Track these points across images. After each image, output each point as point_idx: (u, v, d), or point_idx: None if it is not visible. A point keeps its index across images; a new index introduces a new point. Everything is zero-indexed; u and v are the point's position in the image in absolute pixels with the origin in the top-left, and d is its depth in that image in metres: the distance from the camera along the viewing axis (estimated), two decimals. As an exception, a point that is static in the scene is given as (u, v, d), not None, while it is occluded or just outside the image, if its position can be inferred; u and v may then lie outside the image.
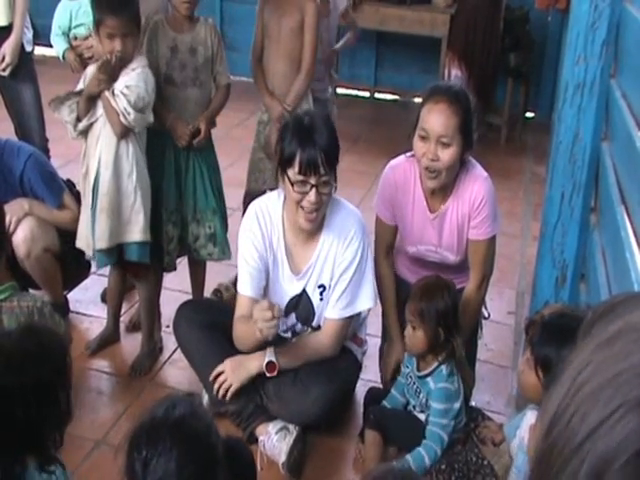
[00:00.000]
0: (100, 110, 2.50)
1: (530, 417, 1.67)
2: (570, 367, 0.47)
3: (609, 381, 0.44)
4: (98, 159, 2.53)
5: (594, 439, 0.43)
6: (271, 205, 2.35)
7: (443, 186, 2.32)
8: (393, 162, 2.47)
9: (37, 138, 3.58)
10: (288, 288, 2.37)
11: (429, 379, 2.26)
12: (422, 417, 2.29)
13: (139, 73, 2.46)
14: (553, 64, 5.54)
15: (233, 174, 3.77)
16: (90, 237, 2.59)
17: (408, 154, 2.38)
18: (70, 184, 3.01)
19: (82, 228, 2.64)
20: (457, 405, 2.23)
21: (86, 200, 2.62)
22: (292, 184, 2.17)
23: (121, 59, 2.43)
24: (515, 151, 5.21)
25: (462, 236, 2.38)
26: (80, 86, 2.54)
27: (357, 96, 6.42)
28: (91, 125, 2.52)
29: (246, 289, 2.30)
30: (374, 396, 2.49)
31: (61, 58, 3.30)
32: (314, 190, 2.16)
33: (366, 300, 2.37)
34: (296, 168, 2.15)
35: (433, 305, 2.21)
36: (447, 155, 2.23)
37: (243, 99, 5.53)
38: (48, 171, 2.84)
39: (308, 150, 2.14)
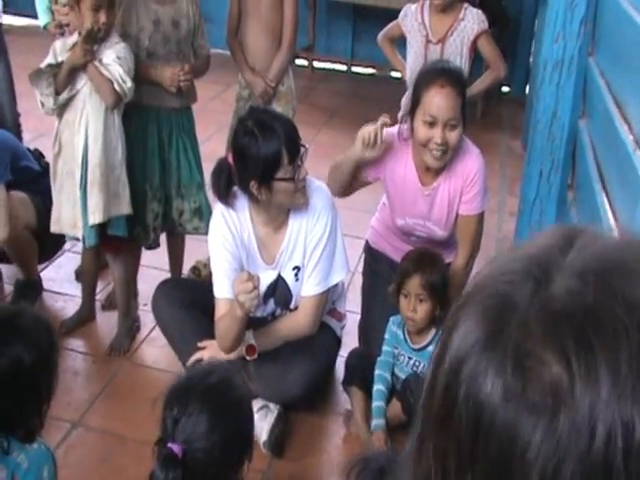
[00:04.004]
0: (81, 82, 2.44)
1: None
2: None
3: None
4: (84, 133, 2.47)
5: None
6: (236, 203, 2.28)
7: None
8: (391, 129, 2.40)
9: (9, 112, 3.48)
10: (264, 278, 2.31)
11: (431, 348, 2.27)
12: None
13: (124, 47, 2.45)
14: (528, 40, 5.64)
15: (210, 148, 3.71)
16: (79, 216, 2.53)
17: (404, 133, 2.33)
18: (39, 154, 2.94)
19: (64, 210, 2.57)
20: None
21: (59, 180, 2.54)
22: (286, 180, 2.12)
23: (105, 30, 2.39)
24: (490, 125, 5.21)
25: (452, 211, 2.38)
26: (50, 59, 2.45)
27: (334, 70, 6.36)
28: (71, 99, 2.46)
29: (224, 292, 2.23)
30: (356, 358, 2.45)
31: (42, 28, 3.22)
32: (300, 171, 2.14)
33: (338, 272, 2.36)
34: (285, 161, 2.11)
35: (439, 275, 2.24)
36: (454, 136, 2.23)
37: (219, 72, 5.41)
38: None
39: (286, 136, 2.11)
